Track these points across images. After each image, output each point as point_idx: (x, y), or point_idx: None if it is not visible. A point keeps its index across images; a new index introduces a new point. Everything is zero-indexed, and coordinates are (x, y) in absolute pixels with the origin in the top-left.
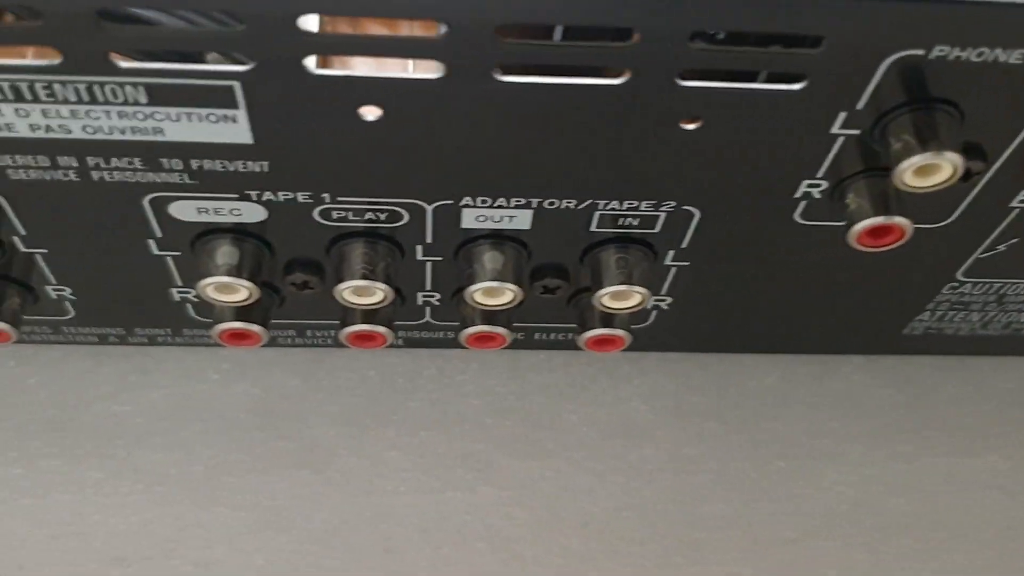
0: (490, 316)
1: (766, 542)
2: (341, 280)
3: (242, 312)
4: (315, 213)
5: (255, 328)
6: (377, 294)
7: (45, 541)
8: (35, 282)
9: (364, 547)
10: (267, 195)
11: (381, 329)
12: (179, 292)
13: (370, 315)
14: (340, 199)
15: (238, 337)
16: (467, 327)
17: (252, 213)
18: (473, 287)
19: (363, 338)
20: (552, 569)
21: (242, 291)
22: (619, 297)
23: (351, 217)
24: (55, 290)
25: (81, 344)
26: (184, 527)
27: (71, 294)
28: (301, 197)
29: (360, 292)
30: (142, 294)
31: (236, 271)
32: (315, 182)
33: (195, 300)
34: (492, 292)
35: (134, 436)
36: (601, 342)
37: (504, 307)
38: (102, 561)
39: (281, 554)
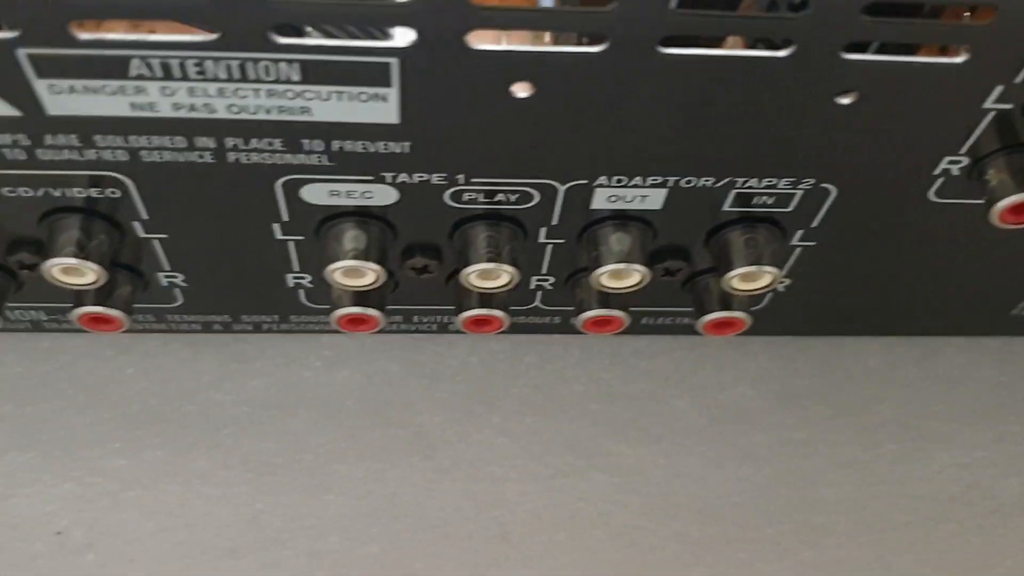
0: (608, 299)
1: (881, 526)
2: (467, 263)
3: (361, 297)
4: (446, 195)
5: (374, 313)
6: (503, 277)
7: (154, 533)
8: (146, 268)
9: (479, 534)
10: (402, 177)
11: (498, 313)
12: (295, 278)
13: (488, 299)
14: (474, 180)
15: (356, 323)
16: (584, 311)
17: (384, 196)
18: (600, 270)
19: (480, 323)
20: (669, 554)
21: (370, 275)
22: (748, 278)
23: (480, 199)
24: (167, 277)
25: (183, 333)
26: (296, 517)
27: (183, 281)
28: (436, 179)
29: (486, 276)
30: (256, 280)
31: (364, 255)
32: (454, 163)
33: (309, 286)
34: (619, 275)
35: (239, 425)
36: (720, 325)
37: (627, 290)
38: (214, 553)
39: (396, 542)
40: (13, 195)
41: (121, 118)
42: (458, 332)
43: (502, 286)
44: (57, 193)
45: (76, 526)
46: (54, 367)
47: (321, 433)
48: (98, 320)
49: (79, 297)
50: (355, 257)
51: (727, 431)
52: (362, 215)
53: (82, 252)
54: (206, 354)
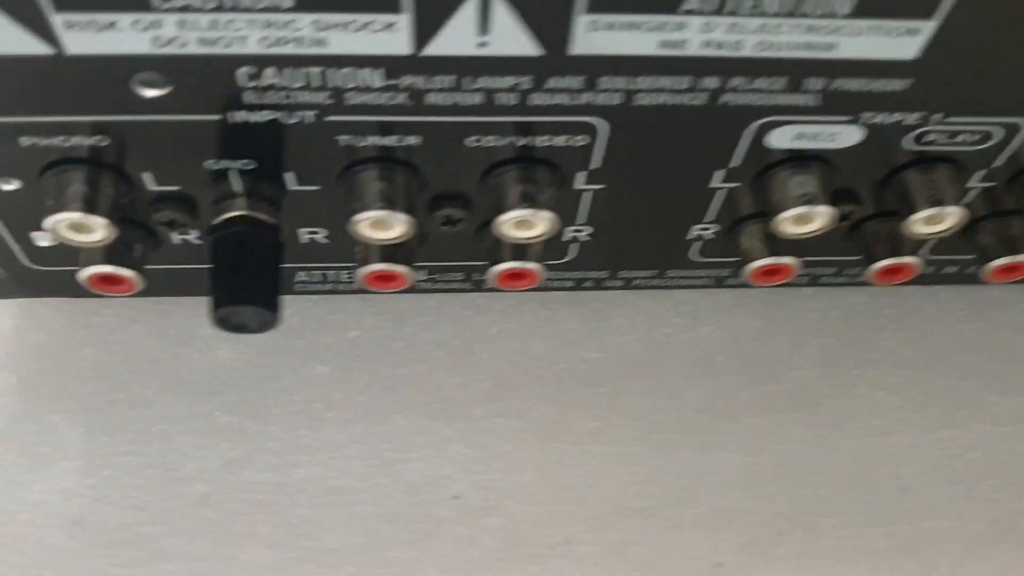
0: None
1: None
2: (912, 210)
3: (783, 247)
4: (908, 137)
5: (790, 262)
6: (947, 221)
7: (557, 494)
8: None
9: (879, 486)
10: (880, 117)
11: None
12: (700, 229)
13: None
14: (949, 120)
15: (771, 274)
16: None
17: (848, 138)
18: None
19: (892, 271)
20: None
21: (818, 220)
22: (932, 221)
23: (941, 140)
24: (574, 231)
25: (554, 291)
26: (696, 475)
27: (587, 235)
28: (914, 118)
29: (931, 221)
30: (658, 233)
31: (815, 200)
32: (947, 102)
33: (710, 238)
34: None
35: (613, 383)
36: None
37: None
38: (622, 513)
39: (797, 497)
40: (476, 144)
41: (642, 57)
42: (819, 285)
43: (945, 230)
44: (521, 142)
45: (474, 489)
46: (415, 329)
47: (696, 389)
48: (515, 276)
49: (519, 252)
50: (807, 203)
51: None
52: (810, 159)
53: (531, 203)
54: (563, 313)
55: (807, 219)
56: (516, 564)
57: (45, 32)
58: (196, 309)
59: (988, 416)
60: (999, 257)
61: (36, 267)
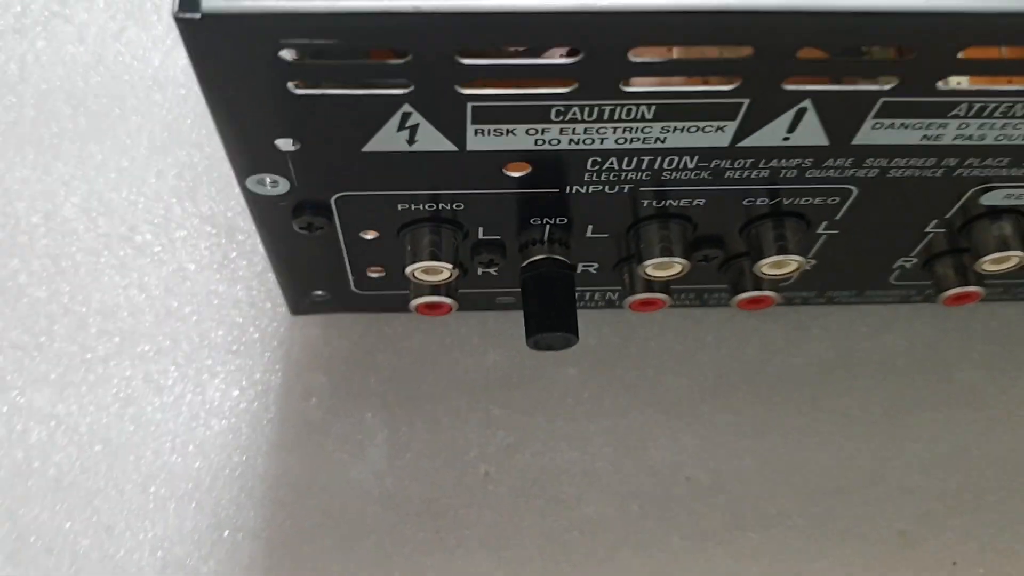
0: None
1: None
2: None
3: (974, 278)
4: None
5: (977, 290)
6: None
7: (772, 474)
8: None
9: None
10: None
11: None
12: (903, 261)
13: None
14: None
15: (961, 299)
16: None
17: None
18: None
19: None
20: None
21: (1013, 261)
22: None
23: None
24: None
25: (797, 305)
26: (883, 459)
27: (811, 266)
28: None
29: None
30: (870, 264)
31: (1010, 245)
32: None
33: (909, 267)
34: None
35: (813, 384)
36: None
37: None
38: (823, 492)
39: (967, 479)
40: (750, 203)
41: (906, 146)
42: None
43: None
44: (786, 201)
45: (703, 472)
46: (644, 338)
47: (882, 389)
48: (755, 301)
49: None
50: (1004, 247)
51: None
52: (1009, 211)
53: (784, 250)
54: (769, 324)
55: (1003, 260)
56: (740, 532)
57: (458, 139)
58: (465, 320)
59: None
60: None
61: (357, 291)
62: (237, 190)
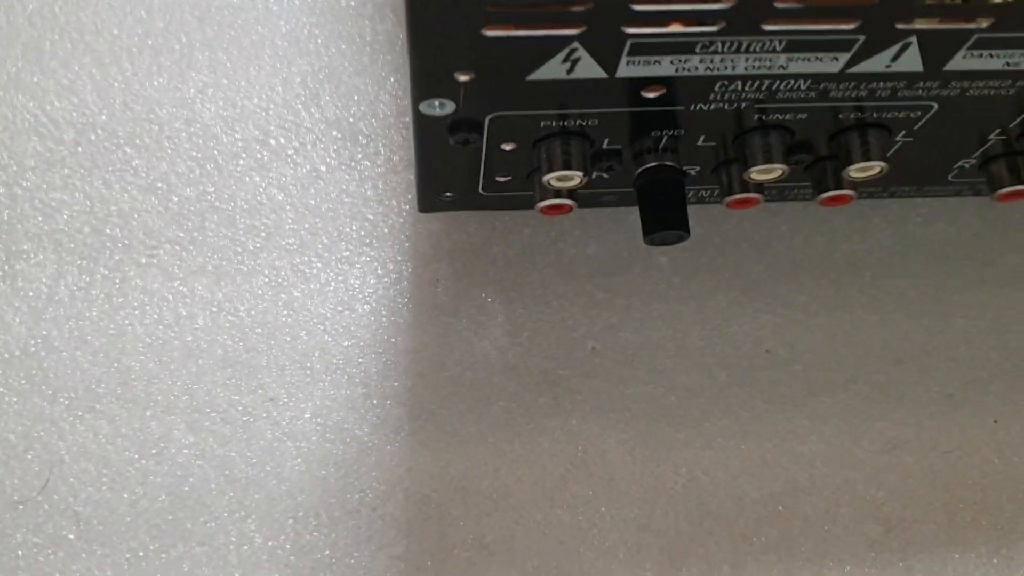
0: None
1: None
2: None
3: None
4: None
5: None
6: None
7: (841, 348)
8: None
9: None
10: None
11: None
12: (963, 161)
13: None
14: None
15: (1015, 196)
16: None
17: None
18: None
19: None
20: None
21: None
22: None
23: None
24: None
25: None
26: (934, 334)
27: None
28: None
29: None
30: (934, 164)
31: None
32: None
33: (968, 167)
34: None
35: (875, 268)
36: None
37: None
38: (885, 361)
39: (1007, 350)
40: (842, 116)
41: (990, 71)
42: None
43: None
44: (873, 114)
45: (781, 346)
46: (727, 227)
47: (934, 272)
48: (837, 199)
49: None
50: None
51: None
52: None
53: (868, 157)
54: (834, 215)
55: None
56: (812, 398)
57: (611, 68)
58: (567, 216)
59: None
60: None
61: (483, 192)
62: (356, 96)
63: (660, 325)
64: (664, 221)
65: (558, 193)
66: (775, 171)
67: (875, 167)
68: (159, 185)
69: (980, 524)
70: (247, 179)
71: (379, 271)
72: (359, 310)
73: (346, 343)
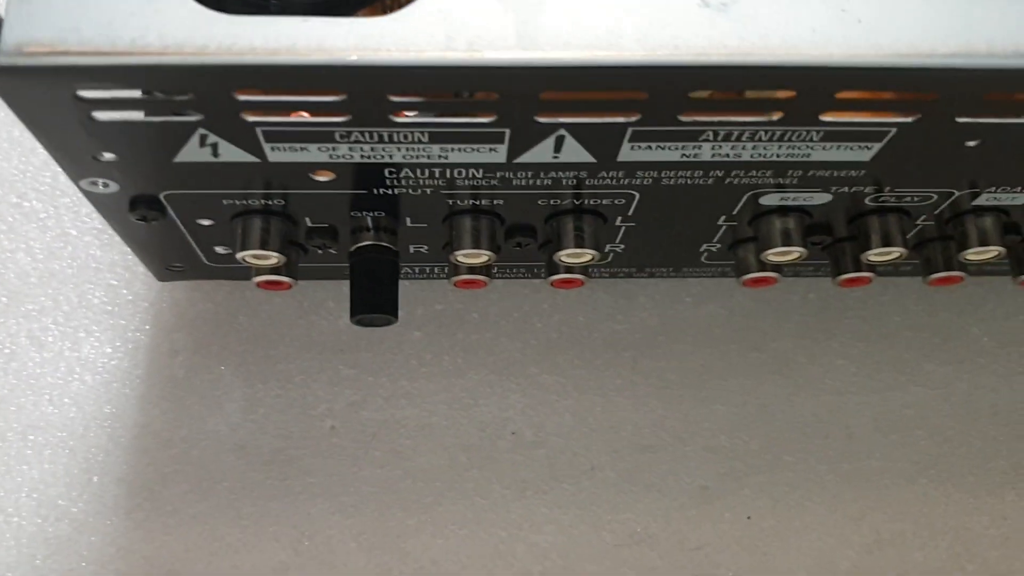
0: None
1: None
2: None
3: (770, 267)
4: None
5: (772, 276)
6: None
7: (587, 433)
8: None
9: (831, 433)
10: (843, 189)
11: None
12: (707, 246)
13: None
14: (895, 188)
15: (759, 282)
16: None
17: (819, 199)
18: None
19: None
20: (974, 448)
21: (793, 254)
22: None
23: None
24: (610, 247)
25: (622, 278)
26: (692, 421)
27: (621, 250)
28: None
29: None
30: (676, 249)
31: (790, 241)
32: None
33: (714, 251)
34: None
35: (635, 349)
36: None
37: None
38: (632, 449)
39: (768, 440)
40: (544, 204)
41: (668, 162)
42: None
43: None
44: (578, 201)
45: (527, 427)
46: (485, 304)
47: (699, 355)
48: (566, 282)
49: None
50: (785, 244)
51: (1013, 352)
52: (791, 211)
53: (582, 241)
54: (599, 293)
55: (787, 253)
56: (556, 483)
57: (259, 153)
58: (323, 286)
59: (924, 380)
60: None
61: (210, 264)
62: None
63: (404, 404)
64: (369, 303)
65: (274, 269)
66: (481, 256)
67: (587, 254)
68: None
69: None
70: None
71: (116, 341)
72: (89, 381)
73: (71, 415)
